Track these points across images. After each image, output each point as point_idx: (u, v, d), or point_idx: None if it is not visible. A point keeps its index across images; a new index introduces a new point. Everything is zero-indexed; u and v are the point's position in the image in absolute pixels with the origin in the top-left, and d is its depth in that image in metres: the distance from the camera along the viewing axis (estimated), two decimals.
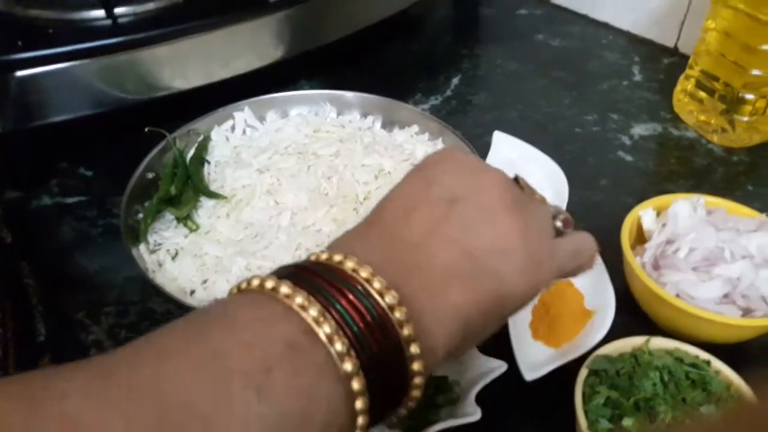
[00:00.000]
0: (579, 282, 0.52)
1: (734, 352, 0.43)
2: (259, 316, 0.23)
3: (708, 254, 0.47)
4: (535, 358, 0.46)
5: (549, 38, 0.86)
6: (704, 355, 0.42)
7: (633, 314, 0.49)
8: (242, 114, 0.63)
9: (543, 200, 0.35)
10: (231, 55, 0.63)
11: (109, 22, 0.58)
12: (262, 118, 0.65)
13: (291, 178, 0.56)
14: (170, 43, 0.59)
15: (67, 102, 0.57)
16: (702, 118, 0.69)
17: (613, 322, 0.46)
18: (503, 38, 0.86)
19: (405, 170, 0.58)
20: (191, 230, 0.52)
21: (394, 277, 0.26)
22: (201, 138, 0.60)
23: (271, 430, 0.21)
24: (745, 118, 0.66)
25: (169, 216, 0.53)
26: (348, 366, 0.23)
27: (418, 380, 0.26)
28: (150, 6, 0.61)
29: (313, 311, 0.23)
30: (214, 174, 0.58)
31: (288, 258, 0.50)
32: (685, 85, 0.71)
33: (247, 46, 0.63)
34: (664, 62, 0.81)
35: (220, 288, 0.48)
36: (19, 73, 0.54)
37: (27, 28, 0.59)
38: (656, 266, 0.48)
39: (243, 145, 0.61)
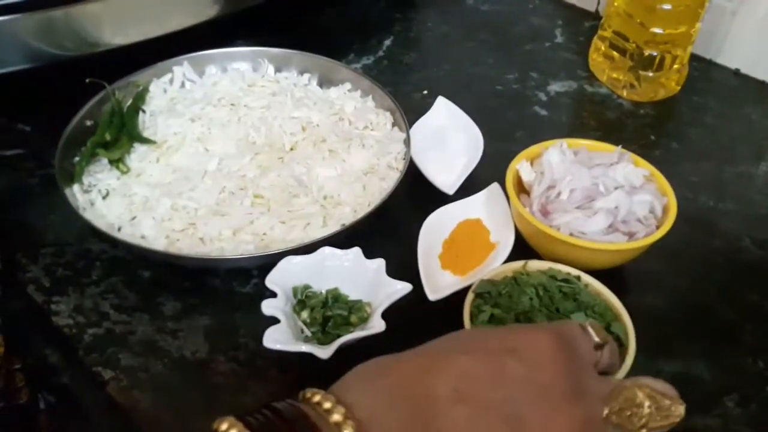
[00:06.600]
0: (486, 219, 0.56)
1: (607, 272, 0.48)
2: None
3: (587, 192, 0.51)
4: (441, 284, 0.51)
5: (479, 3, 0.90)
6: (574, 271, 0.47)
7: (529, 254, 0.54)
8: (181, 68, 0.66)
9: (604, 344, 0.32)
10: (165, 12, 0.65)
11: None
12: (201, 73, 0.67)
13: (221, 128, 0.59)
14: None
15: (4, 56, 0.59)
16: (613, 75, 0.74)
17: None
18: (436, 3, 0.90)
19: (333, 123, 0.63)
20: (123, 172, 0.55)
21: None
22: (140, 89, 0.63)
23: None
24: (650, 74, 0.71)
25: (104, 160, 0.56)
26: None
27: None
28: None
29: None
30: (148, 122, 0.61)
31: (212, 199, 0.53)
32: (599, 45, 0.76)
33: (180, 4, 0.66)
34: (585, 25, 0.86)
35: (146, 225, 0.51)
36: None
37: None
38: (545, 212, 0.52)
39: (179, 97, 0.64)
